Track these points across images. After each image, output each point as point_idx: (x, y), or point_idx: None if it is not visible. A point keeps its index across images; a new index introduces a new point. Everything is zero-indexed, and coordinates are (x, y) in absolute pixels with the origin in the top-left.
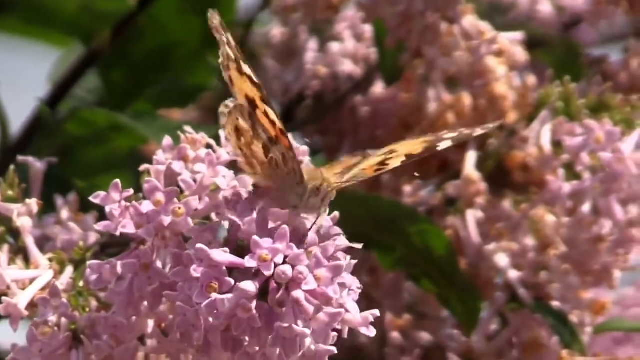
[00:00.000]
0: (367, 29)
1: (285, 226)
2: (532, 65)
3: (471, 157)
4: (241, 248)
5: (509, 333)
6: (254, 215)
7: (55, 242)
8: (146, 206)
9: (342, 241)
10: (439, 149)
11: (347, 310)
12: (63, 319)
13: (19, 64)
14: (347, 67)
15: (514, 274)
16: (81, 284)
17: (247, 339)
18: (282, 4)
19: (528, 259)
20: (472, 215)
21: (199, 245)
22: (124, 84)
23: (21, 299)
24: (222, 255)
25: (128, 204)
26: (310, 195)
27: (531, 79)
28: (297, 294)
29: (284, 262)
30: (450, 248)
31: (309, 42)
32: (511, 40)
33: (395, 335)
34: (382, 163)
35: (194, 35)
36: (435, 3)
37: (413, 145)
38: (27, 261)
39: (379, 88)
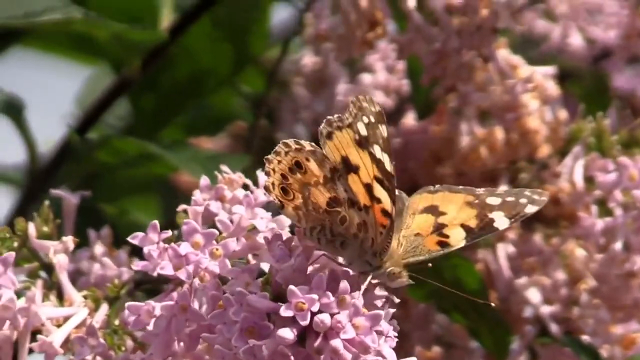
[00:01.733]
0: (399, 61)
1: (322, 274)
2: (563, 97)
3: None
4: (282, 291)
5: None
6: (292, 260)
7: (88, 277)
8: (185, 248)
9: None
10: (495, 225)
11: (383, 357)
12: (99, 358)
13: (46, 80)
14: (379, 98)
15: (545, 309)
16: (116, 322)
17: None
18: (315, 32)
19: (559, 293)
20: (503, 249)
21: (238, 289)
22: (153, 111)
23: (56, 337)
24: (261, 302)
25: (166, 245)
26: (384, 275)
27: (563, 114)
28: (336, 343)
29: (321, 311)
30: (481, 282)
31: (340, 72)
32: (544, 75)
33: None
34: (440, 233)
35: (225, 62)
36: (470, 41)
37: (458, 207)
38: (60, 297)
39: (410, 119)
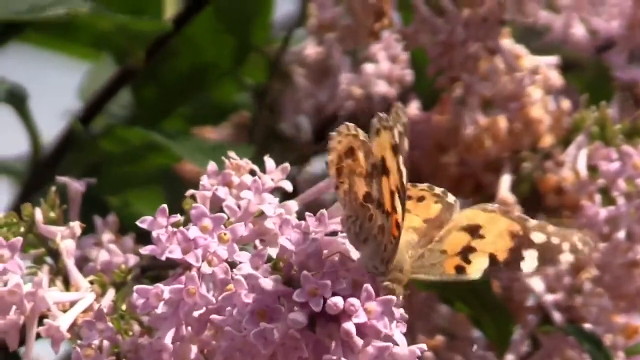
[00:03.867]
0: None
1: (334, 260)
2: (565, 88)
3: (506, 180)
4: (292, 276)
5: (542, 355)
6: (308, 243)
7: (94, 264)
8: (193, 232)
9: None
10: (522, 264)
11: (394, 343)
12: (105, 342)
13: (47, 75)
14: (382, 88)
15: (548, 297)
16: (123, 307)
17: None
18: (318, 22)
19: (562, 282)
20: None
21: (251, 272)
22: (156, 102)
23: (63, 322)
24: (273, 285)
25: (175, 229)
26: (387, 278)
27: (566, 103)
28: (348, 326)
29: (335, 294)
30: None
31: (343, 62)
32: (547, 64)
33: (428, 355)
34: (464, 256)
35: (227, 54)
36: (476, 33)
37: (499, 234)
38: (66, 283)
39: (413, 109)
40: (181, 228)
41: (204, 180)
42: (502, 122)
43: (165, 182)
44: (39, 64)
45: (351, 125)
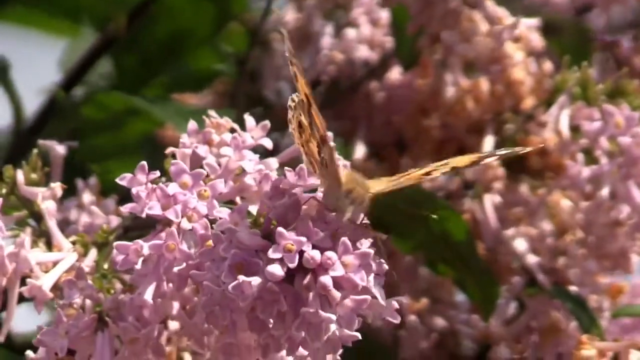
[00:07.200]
0: (384, 15)
1: (308, 213)
2: (545, 50)
3: (488, 142)
4: (272, 231)
5: (527, 318)
6: (285, 199)
7: (76, 226)
8: (173, 188)
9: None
10: (481, 162)
11: (373, 297)
12: (88, 301)
13: (26, 54)
14: (363, 53)
15: (532, 259)
16: (105, 266)
17: (271, 321)
18: None
19: (546, 243)
20: (490, 200)
21: (228, 226)
22: (136, 70)
23: (46, 281)
24: (251, 239)
25: (154, 185)
26: (341, 197)
27: (547, 65)
28: (325, 279)
29: (313, 248)
30: (468, 233)
31: (324, 27)
32: (528, 27)
33: (412, 318)
34: (426, 174)
35: (206, 22)
36: None
37: (462, 160)
38: (49, 245)
39: (394, 74)
40: (160, 184)
41: (184, 139)
42: (484, 84)
43: (147, 150)
44: (19, 41)
45: (289, 100)
